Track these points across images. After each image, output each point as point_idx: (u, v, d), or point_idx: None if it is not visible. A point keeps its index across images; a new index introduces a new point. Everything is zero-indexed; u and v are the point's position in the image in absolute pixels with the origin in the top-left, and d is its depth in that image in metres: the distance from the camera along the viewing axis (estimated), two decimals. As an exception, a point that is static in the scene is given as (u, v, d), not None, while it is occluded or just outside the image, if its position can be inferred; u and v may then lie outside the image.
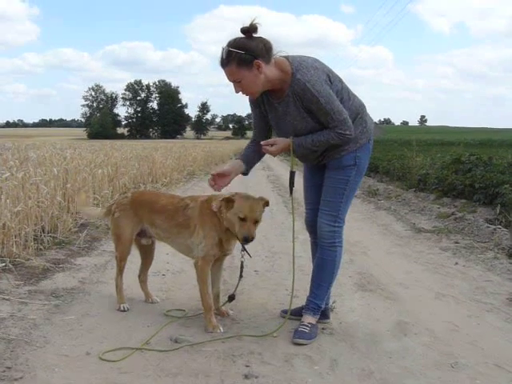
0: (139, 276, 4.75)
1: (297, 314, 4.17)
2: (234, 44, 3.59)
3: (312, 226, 4.20)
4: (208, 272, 4.06)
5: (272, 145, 3.89)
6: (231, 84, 3.72)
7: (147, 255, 4.75)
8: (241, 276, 4.20)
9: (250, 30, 3.58)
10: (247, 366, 3.39)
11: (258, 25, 3.57)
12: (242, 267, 4.19)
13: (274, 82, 3.71)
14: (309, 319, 4.01)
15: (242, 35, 3.60)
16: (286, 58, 3.74)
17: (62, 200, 7.45)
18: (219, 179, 3.95)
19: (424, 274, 5.85)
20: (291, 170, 4.01)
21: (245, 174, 4.14)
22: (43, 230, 6.60)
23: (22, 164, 8.85)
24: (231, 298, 4.26)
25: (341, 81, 3.84)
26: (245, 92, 3.78)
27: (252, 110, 4.11)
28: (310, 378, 3.29)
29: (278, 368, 3.41)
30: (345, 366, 3.46)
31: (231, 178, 4.02)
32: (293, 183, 4.02)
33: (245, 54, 3.56)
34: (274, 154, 3.98)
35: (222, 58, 3.65)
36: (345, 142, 3.79)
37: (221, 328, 3.96)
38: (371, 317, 4.40)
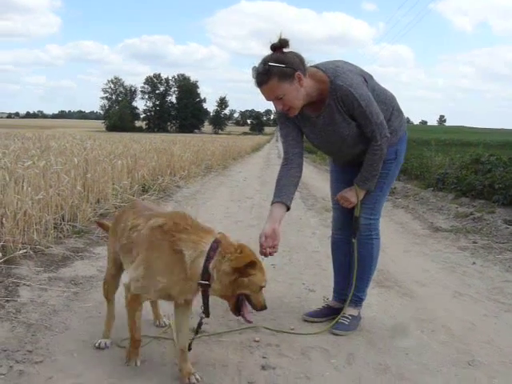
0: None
1: (317, 315, 4.20)
2: (272, 59, 3.40)
3: (343, 222, 4.18)
4: (138, 310, 3.13)
5: (345, 200, 3.94)
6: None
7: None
8: (196, 333, 3.18)
9: (282, 45, 3.42)
10: (264, 358, 3.41)
11: (287, 39, 3.43)
12: (200, 325, 3.13)
13: (311, 94, 3.58)
14: (350, 311, 4.06)
15: (272, 52, 3.45)
16: (316, 67, 3.63)
17: (81, 189, 7.50)
18: (269, 239, 3.60)
19: (441, 272, 5.83)
20: (355, 215, 3.97)
21: (287, 210, 3.78)
22: (63, 219, 6.66)
23: (43, 153, 8.93)
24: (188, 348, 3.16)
25: (371, 77, 3.79)
26: (287, 108, 3.58)
27: (283, 127, 3.90)
28: (326, 371, 3.31)
29: (294, 360, 3.43)
30: (361, 361, 3.47)
31: (279, 230, 3.64)
32: (357, 228, 3.98)
33: (285, 67, 3.39)
34: (355, 202, 3.91)
35: (259, 76, 3.46)
36: (389, 143, 3.79)
37: (138, 362, 3.24)
38: (388, 313, 4.41)
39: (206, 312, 3.02)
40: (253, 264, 2.86)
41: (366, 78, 3.69)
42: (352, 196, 3.90)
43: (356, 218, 3.96)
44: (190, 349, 3.12)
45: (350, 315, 4.02)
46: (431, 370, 3.36)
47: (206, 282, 2.87)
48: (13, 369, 3.09)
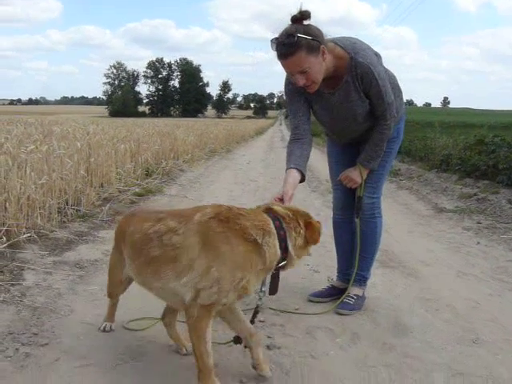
0: (163, 317, 3.34)
1: (322, 295, 4.21)
2: (299, 31, 3.23)
3: (344, 202, 4.17)
4: (209, 326, 2.66)
5: (349, 180, 3.92)
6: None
7: None
8: (252, 322, 3.00)
9: (303, 17, 3.27)
10: (269, 337, 3.42)
11: (309, 11, 3.27)
12: (256, 312, 2.99)
13: (329, 70, 3.48)
14: (355, 291, 4.07)
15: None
16: (333, 42, 3.51)
17: (85, 174, 7.51)
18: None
19: (445, 252, 5.83)
20: (359, 195, 3.97)
21: (301, 182, 3.62)
22: (67, 203, 6.67)
23: (45, 138, 8.92)
24: (237, 340, 3.01)
25: (378, 54, 3.71)
26: (310, 82, 3.42)
27: (294, 102, 3.77)
28: (331, 350, 3.32)
29: (299, 340, 3.44)
30: (366, 340, 3.48)
31: (292, 196, 3.43)
32: (360, 208, 3.98)
33: (312, 39, 3.24)
34: (360, 182, 3.90)
35: (284, 48, 3.26)
36: (395, 123, 3.78)
37: None
38: (392, 293, 4.41)
39: (275, 290, 2.89)
40: (319, 230, 2.89)
41: (378, 57, 3.66)
42: (357, 176, 3.88)
43: (359, 198, 3.95)
44: (240, 342, 2.97)
45: (354, 295, 4.03)
46: (436, 348, 3.37)
47: (285, 262, 2.78)
48: (19, 351, 3.11)
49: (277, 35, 3.30)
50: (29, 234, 5.15)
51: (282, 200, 3.30)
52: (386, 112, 3.63)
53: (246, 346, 2.98)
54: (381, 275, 4.84)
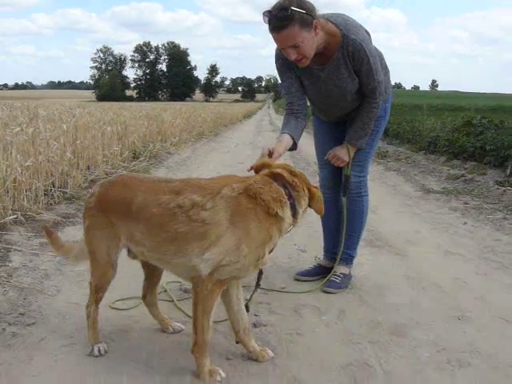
0: (144, 297, 3.27)
1: (308, 274, 4.22)
2: (293, 3, 3.19)
3: (332, 180, 4.16)
4: (217, 301, 2.69)
5: (337, 159, 3.91)
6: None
7: (151, 267, 3.12)
8: (257, 285, 3.01)
9: None
10: (256, 315, 3.44)
11: None
12: (260, 274, 2.94)
13: (319, 45, 3.45)
14: (341, 269, 4.09)
15: None
16: (325, 18, 3.48)
17: (71, 156, 7.46)
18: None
19: (432, 232, 5.86)
20: (346, 173, 3.97)
21: (292, 149, 3.71)
22: (53, 185, 6.63)
23: (31, 121, 8.84)
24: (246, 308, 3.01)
25: (368, 33, 3.69)
26: (301, 57, 3.40)
27: (286, 78, 3.78)
28: (317, 327, 3.35)
29: (285, 317, 3.47)
30: (352, 317, 3.50)
31: (281, 154, 3.50)
32: (348, 187, 3.98)
33: (305, 13, 3.21)
34: (347, 162, 3.89)
35: (278, 21, 3.22)
36: (381, 101, 3.78)
37: (221, 372, 2.73)
38: (379, 271, 4.44)
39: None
40: (320, 198, 2.88)
41: (369, 35, 3.65)
42: (344, 154, 3.88)
43: (347, 177, 3.95)
44: (248, 310, 2.97)
45: (341, 273, 4.04)
46: (422, 324, 3.40)
47: (292, 227, 2.81)
48: (5, 331, 3.12)
49: (269, 8, 3.26)
50: (15, 216, 5.12)
51: (271, 155, 3.32)
52: (375, 90, 3.63)
53: (237, 342, 2.96)
54: (368, 254, 4.86)
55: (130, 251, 2.98)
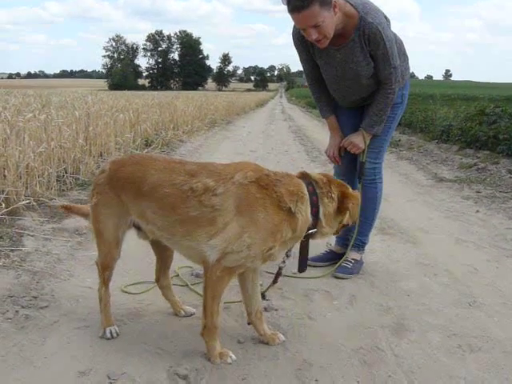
0: (157, 279, 3.28)
1: (320, 260, 4.22)
2: None
3: (345, 167, 4.15)
4: (226, 287, 2.72)
5: (353, 146, 3.92)
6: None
7: (162, 248, 3.14)
8: (274, 282, 3.01)
9: None
10: (267, 300, 3.43)
11: None
12: (278, 274, 2.98)
13: (337, 26, 3.44)
14: (353, 255, 4.09)
15: None
16: None
17: (84, 143, 7.49)
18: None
19: (444, 220, 5.84)
20: (361, 160, 3.97)
21: None
22: (66, 172, 6.66)
23: (44, 107, 8.88)
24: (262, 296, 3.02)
25: (387, 18, 3.68)
26: (322, 37, 3.39)
27: (302, 54, 3.86)
28: (328, 311, 3.36)
29: (297, 302, 3.48)
30: (363, 302, 3.51)
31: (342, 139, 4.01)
32: (363, 173, 3.98)
33: None
34: (363, 148, 3.90)
35: (298, 1, 3.21)
36: (399, 88, 3.77)
37: (232, 355, 2.75)
38: (391, 258, 4.44)
39: (304, 266, 2.97)
40: (352, 197, 2.85)
41: (387, 20, 3.63)
42: (360, 141, 3.87)
43: (362, 163, 3.94)
44: (264, 298, 3.00)
45: (352, 259, 4.04)
46: (432, 310, 3.40)
47: (315, 230, 2.76)
48: (19, 313, 3.14)
49: None
50: (28, 201, 5.14)
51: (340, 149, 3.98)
52: (391, 76, 3.61)
53: (249, 323, 2.99)
54: (380, 241, 4.85)
55: (139, 231, 2.97)
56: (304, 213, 2.65)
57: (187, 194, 2.63)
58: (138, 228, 2.94)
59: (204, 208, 2.59)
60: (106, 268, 2.99)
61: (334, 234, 2.97)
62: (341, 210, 2.81)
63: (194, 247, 2.67)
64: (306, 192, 2.68)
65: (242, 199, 2.57)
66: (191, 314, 3.24)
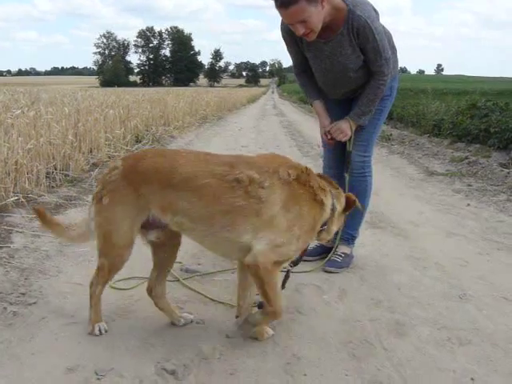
0: (149, 290, 3.10)
1: (310, 254, 4.20)
2: None
3: (335, 160, 4.15)
4: (279, 275, 2.81)
5: (340, 132, 3.90)
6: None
7: (166, 254, 3.07)
8: (283, 287, 3.07)
9: None
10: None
11: None
12: (287, 277, 3.12)
13: (325, 19, 3.45)
14: (343, 249, 4.09)
15: None
16: None
17: (73, 139, 7.43)
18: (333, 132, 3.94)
19: (435, 214, 5.85)
20: (348, 149, 3.96)
21: None
22: (55, 168, 6.62)
23: (33, 104, 8.83)
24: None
25: (376, 11, 3.68)
26: (309, 31, 3.42)
27: (290, 46, 3.89)
28: (318, 306, 3.35)
29: (287, 297, 3.43)
30: (353, 296, 3.51)
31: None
32: (350, 163, 3.98)
33: None
34: (350, 134, 3.89)
35: None
36: (389, 79, 3.77)
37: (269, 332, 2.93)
38: (381, 252, 4.43)
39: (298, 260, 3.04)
40: (354, 203, 3.11)
41: (377, 13, 3.63)
42: (347, 128, 3.86)
43: (349, 153, 3.94)
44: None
45: (342, 253, 4.03)
46: (422, 303, 3.40)
47: (325, 227, 2.95)
48: (7, 310, 3.12)
49: None
50: (16, 198, 5.11)
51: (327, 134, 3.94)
52: (383, 67, 3.61)
53: (237, 316, 3.01)
54: (370, 235, 4.85)
55: (148, 232, 2.88)
56: (329, 204, 2.89)
57: (232, 184, 2.66)
58: (150, 227, 2.86)
59: (251, 199, 2.65)
60: (113, 270, 2.92)
61: (331, 237, 3.11)
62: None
63: (232, 239, 2.70)
64: (328, 187, 2.92)
65: (288, 194, 2.70)
66: (191, 321, 3.10)
